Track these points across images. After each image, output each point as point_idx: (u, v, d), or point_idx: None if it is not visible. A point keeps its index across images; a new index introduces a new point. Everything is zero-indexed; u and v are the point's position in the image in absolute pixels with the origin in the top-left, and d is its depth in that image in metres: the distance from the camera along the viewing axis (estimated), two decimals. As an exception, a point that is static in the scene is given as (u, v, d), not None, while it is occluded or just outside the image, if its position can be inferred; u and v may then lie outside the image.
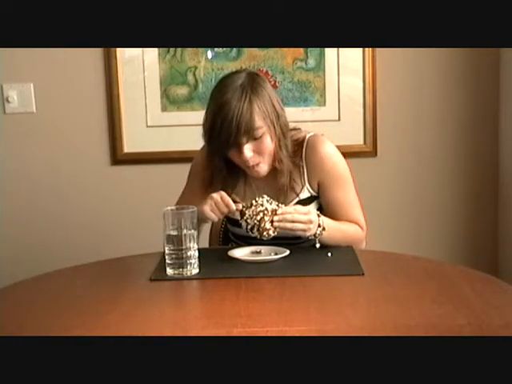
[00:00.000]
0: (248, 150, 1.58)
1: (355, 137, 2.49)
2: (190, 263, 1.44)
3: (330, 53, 2.47)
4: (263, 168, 1.63)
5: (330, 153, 1.69)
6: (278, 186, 1.67)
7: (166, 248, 1.45)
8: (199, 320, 1.21)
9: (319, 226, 1.56)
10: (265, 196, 1.54)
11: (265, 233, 1.51)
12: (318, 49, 2.46)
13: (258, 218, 1.51)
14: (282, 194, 1.66)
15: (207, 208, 1.55)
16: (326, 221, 1.59)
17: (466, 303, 1.22)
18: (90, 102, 2.52)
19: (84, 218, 2.59)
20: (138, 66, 2.49)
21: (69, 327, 1.16)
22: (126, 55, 2.48)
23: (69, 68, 2.50)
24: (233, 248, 1.61)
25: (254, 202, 1.53)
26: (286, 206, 1.57)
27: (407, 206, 2.58)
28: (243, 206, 1.54)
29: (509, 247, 2.48)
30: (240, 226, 1.58)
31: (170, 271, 1.44)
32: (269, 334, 1.09)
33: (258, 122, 1.56)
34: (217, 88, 1.61)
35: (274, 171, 1.66)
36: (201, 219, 1.55)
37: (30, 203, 2.58)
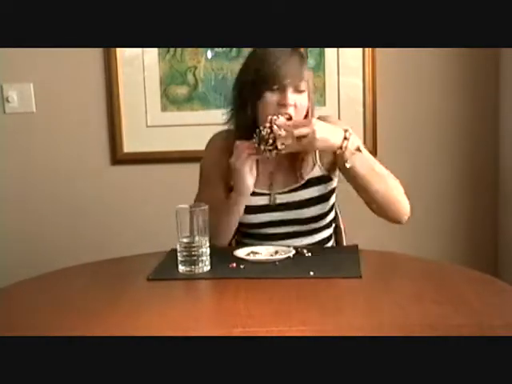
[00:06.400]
0: (291, 95, 1.54)
1: (355, 137, 2.49)
2: (202, 260, 1.44)
3: (330, 53, 2.47)
4: None
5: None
6: (289, 164, 1.66)
7: (178, 245, 1.45)
8: (199, 320, 1.21)
9: (345, 138, 1.50)
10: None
11: (278, 142, 1.47)
12: (318, 49, 2.46)
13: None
14: (293, 172, 1.66)
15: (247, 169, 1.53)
16: (358, 142, 1.54)
17: (465, 303, 1.22)
18: (89, 102, 2.52)
19: (84, 218, 2.59)
20: (137, 66, 2.50)
21: (69, 327, 1.16)
22: (125, 55, 2.48)
23: (69, 68, 2.50)
24: (236, 248, 1.60)
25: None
26: (299, 183, 1.64)
27: (407, 205, 2.57)
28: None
29: (509, 247, 2.48)
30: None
31: (181, 268, 1.45)
32: (269, 334, 1.09)
33: (304, 75, 1.56)
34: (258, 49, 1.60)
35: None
36: (242, 193, 1.56)
37: (29, 203, 2.58)
